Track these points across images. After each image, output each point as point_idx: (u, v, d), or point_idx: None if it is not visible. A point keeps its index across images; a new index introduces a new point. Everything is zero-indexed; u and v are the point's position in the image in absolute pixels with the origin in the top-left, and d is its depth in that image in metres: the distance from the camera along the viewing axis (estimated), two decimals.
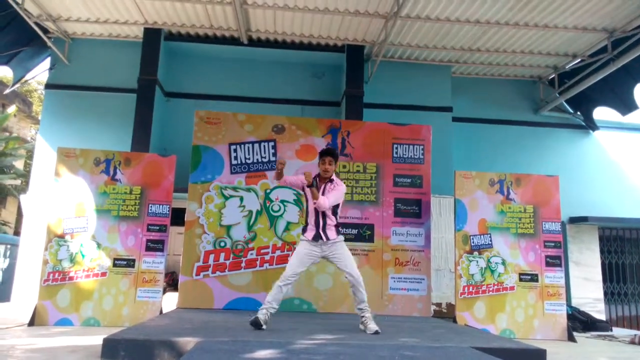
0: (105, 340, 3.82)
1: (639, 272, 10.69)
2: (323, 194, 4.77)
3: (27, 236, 8.50)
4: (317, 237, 4.78)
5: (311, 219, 4.85)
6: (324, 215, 4.79)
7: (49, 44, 8.99)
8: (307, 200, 4.94)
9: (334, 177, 4.94)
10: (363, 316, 4.77)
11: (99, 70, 9.31)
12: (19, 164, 19.63)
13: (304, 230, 4.92)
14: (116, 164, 6.46)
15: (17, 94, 20.79)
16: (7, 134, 19.02)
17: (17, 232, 16.24)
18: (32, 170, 8.96)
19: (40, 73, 10.13)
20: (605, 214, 10.16)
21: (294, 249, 6.77)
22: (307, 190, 4.85)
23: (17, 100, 20.63)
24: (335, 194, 4.79)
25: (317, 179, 4.88)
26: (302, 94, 9.75)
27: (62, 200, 6.27)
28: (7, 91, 10.63)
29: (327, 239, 4.78)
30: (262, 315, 4.56)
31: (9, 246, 10.82)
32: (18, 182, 18.39)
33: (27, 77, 10.16)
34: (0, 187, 17.88)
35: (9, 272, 9.91)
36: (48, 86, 9.28)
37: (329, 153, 4.89)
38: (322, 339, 4.24)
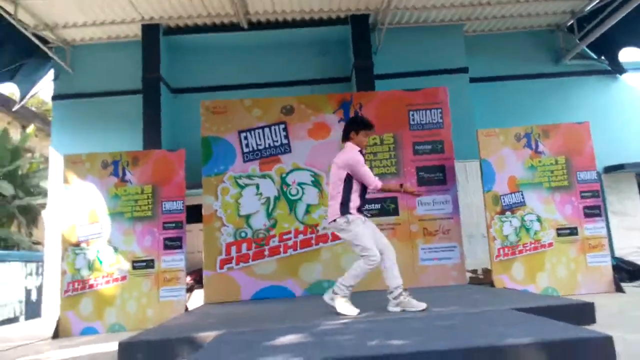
0: (121, 344, 3.64)
1: None
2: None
3: (49, 250, 8.44)
4: (361, 213, 4.38)
5: (356, 201, 4.31)
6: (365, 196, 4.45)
7: (50, 54, 8.88)
8: (348, 182, 4.31)
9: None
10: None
11: (103, 75, 9.17)
12: (45, 184, 19.82)
13: (347, 211, 4.24)
14: (124, 165, 6.28)
15: (37, 114, 20.96)
16: (30, 154, 19.21)
17: None
18: (48, 183, 8.88)
19: (45, 85, 10.04)
20: None
21: (317, 231, 6.55)
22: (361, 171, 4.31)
23: (37, 120, 20.78)
24: None
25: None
26: (310, 74, 9.42)
27: (73, 207, 6.13)
28: (16, 107, 10.58)
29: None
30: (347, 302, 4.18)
31: (40, 264, 10.84)
32: (45, 201, 18.58)
33: (33, 91, 10.05)
34: (29, 207, 18.08)
35: (43, 289, 9.91)
36: (55, 97, 9.19)
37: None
38: (351, 318, 3.97)
